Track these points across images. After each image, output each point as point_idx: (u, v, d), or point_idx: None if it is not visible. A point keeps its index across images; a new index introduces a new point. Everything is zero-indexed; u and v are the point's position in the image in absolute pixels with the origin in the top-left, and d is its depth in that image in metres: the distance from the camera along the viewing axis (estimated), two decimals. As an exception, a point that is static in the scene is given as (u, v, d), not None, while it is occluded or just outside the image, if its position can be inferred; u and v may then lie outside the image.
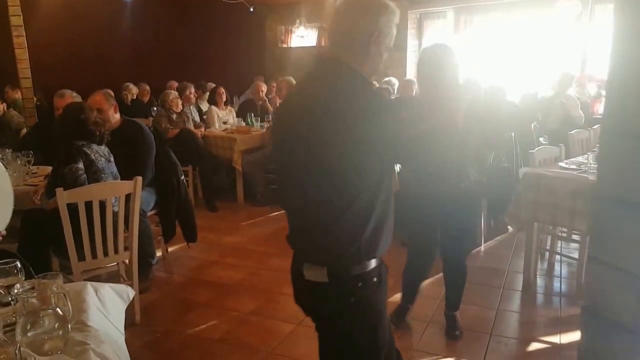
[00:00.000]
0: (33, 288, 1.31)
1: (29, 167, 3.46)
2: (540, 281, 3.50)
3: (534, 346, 2.74)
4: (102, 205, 2.68)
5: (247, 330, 2.91)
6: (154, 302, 3.26)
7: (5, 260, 1.43)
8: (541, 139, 3.92)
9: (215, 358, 2.64)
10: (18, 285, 1.35)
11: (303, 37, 9.03)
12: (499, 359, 2.60)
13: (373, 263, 1.42)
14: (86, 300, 1.45)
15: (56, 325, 1.24)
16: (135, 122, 3.55)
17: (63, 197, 2.51)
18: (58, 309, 1.26)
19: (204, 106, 6.73)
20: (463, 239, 2.73)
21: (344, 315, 1.42)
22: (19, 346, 1.10)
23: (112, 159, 3.02)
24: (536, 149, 3.53)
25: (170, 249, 4.04)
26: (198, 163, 5.28)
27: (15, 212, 1.86)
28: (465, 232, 2.72)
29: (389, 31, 1.41)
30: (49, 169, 3.27)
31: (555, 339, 2.76)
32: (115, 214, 2.77)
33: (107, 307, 1.50)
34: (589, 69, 6.61)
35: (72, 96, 3.60)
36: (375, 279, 1.43)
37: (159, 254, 3.72)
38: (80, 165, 2.74)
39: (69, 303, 1.33)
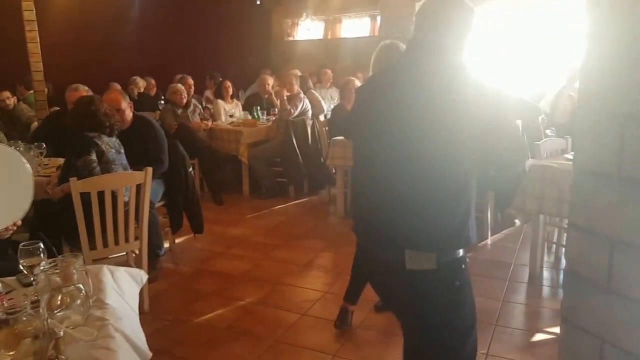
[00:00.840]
0: (56, 266, 1.35)
1: (41, 159, 3.51)
2: (546, 273, 3.51)
3: (539, 337, 2.76)
4: (113, 195, 2.73)
5: (253, 319, 2.95)
6: (161, 292, 3.31)
7: (28, 242, 1.48)
8: (548, 131, 3.92)
9: (222, 345, 2.68)
10: (43, 263, 1.40)
11: (309, 29, 9.03)
12: (503, 348, 2.62)
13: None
14: (103, 281, 1.50)
15: (78, 301, 1.29)
16: (144, 117, 3.60)
17: (77, 186, 2.56)
18: (80, 285, 1.30)
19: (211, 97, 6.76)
20: None
21: (449, 300, 1.43)
22: (47, 318, 1.14)
23: (122, 150, 3.06)
24: (542, 141, 3.53)
25: (177, 240, 4.08)
26: (197, 157, 5.29)
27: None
28: None
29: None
30: (61, 160, 3.32)
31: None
32: (126, 204, 2.81)
33: (122, 288, 1.54)
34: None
35: (85, 90, 3.65)
36: (467, 260, 1.48)
37: (166, 245, 3.77)
38: (93, 156, 2.78)
39: (89, 281, 1.37)
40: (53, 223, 2.82)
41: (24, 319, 1.23)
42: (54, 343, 1.15)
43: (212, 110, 6.00)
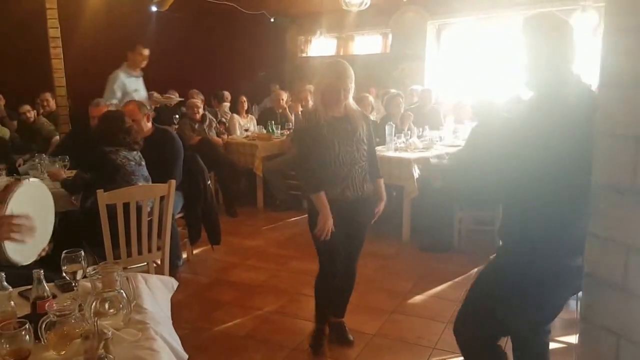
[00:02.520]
0: (98, 273, 1.45)
1: (64, 171, 3.64)
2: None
3: (554, 346, 2.80)
4: (138, 206, 2.84)
5: (272, 327, 3.02)
6: (180, 301, 3.39)
7: (70, 250, 1.58)
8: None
9: (242, 353, 2.75)
10: (90, 269, 1.50)
11: (325, 46, 9.18)
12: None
13: None
14: (139, 287, 1.59)
15: (121, 306, 1.38)
16: (166, 129, 3.74)
17: (103, 198, 2.67)
18: (122, 291, 1.40)
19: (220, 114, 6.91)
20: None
21: None
22: (96, 320, 1.24)
23: (143, 162, 3.19)
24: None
25: (195, 251, 4.19)
26: (217, 170, 5.43)
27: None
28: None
29: None
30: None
31: (571, 339, 2.82)
32: (149, 214, 2.91)
33: (156, 294, 1.63)
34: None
35: (106, 105, 3.80)
36: None
37: (184, 255, 3.87)
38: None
39: (130, 287, 1.46)
40: (76, 233, 2.94)
41: (72, 321, 1.33)
42: (104, 343, 1.25)
43: (227, 125, 6.14)
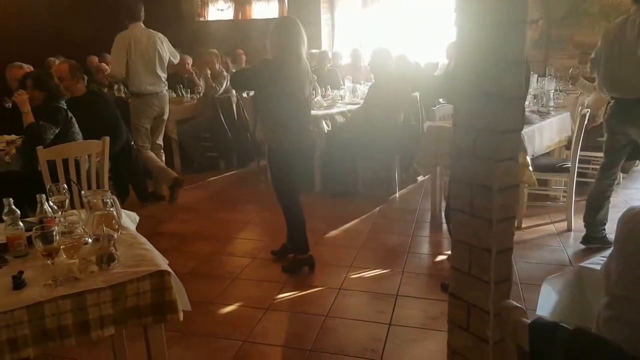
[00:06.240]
0: (89, 196, 1.75)
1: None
2: (443, 214, 4.35)
3: (440, 258, 3.56)
4: (76, 162, 3.00)
5: (211, 265, 3.41)
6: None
7: (55, 183, 1.83)
8: (440, 99, 4.74)
9: (188, 286, 3.09)
10: (85, 193, 1.78)
11: (222, 10, 9.20)
12: (415, 268, 3.37)
13: None
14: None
15: (113, 221, 1.71)
16: (97, 92, 3.84)
17: (44, 154, 2.80)
18: (112, 210, 1.72)
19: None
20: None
21: None
22: (102, 225, 1.56)
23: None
24: (437, 106, 4.34)
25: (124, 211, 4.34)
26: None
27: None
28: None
29: None
30: (7, 137, 3.48)
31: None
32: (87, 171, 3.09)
33: (126, 222, 1.95)
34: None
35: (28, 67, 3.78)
36: None
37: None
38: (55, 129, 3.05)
39: (118, 206, 1.78)
40: (17, 192, 3.01)
41: (79, 231, 1.63)
42: (113, 242, 1.58)
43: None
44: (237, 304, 2.94)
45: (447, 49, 5.49)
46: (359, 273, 3.29)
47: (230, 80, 3.45)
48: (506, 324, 1.12)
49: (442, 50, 6.05)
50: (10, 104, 3.68)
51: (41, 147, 2.81)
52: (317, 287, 3.12)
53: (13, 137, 3.61)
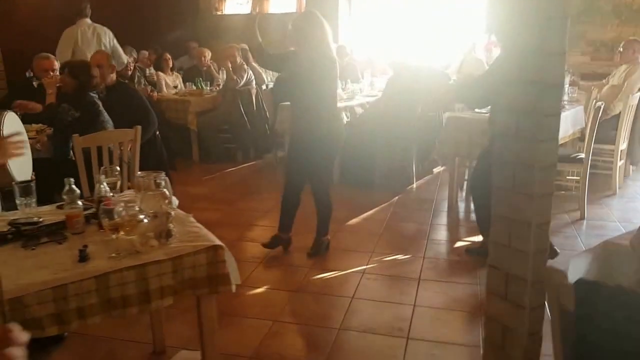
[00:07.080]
0: (143, 177, 1.85)
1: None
2: (460, 203, 4.45)
3: (459, 244, 3.66)
4: (110, 150, 3.11)
5: (235, 250, 3.42)
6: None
7: (107, 166, 1.95)
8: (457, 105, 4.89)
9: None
10: (140, 173, 1.89)
11: (241, 4, 9.25)
12: (435, 252, 3.48)
13: None
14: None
15: (167, 201, 1.81)
16: (126, 83, 3.96)
17: (79, 142, 2.92)
18: (165, 190, 1.83)
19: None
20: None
21: None
22: (162, 203, 1.66)
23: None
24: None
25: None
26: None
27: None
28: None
29: None
30: (36, 126, 3.59)
31: (474, 238, 3.68)
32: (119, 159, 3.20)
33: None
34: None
35: (54, 58, 3.89)
36: None
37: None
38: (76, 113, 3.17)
39: (169, 186, 1.89)
40: (49, 178, 3.13)
41: (135, 209, 1.74)
42: (171, 219, 1.69)
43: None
44: (265, 286, 3.06)
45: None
46: (381, 258, 3.39)
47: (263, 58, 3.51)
48: (549, 287, 1.22)
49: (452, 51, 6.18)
50: (37, 84, 3.80)
51: (77, 135, 2.92)
52: (341, 270, 3.23)
53: (42, 126, 3.73)
